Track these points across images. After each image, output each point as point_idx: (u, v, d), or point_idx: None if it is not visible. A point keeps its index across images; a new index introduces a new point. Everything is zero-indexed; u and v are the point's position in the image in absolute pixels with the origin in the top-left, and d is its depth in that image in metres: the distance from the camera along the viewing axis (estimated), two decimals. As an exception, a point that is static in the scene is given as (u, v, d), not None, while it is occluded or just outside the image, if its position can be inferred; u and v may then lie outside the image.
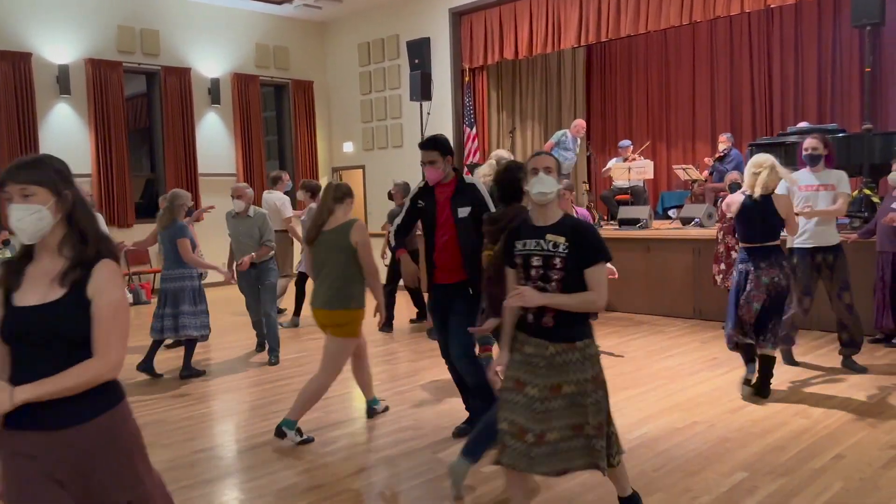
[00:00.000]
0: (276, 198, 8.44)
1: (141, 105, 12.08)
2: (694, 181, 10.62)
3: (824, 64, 10.98)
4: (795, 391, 5.13)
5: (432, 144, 4.23)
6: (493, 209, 4.05)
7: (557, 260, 2.77)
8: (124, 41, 11.11)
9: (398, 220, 4.46)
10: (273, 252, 6.65)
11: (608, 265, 2.90)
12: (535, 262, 2.81)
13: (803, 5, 10.53)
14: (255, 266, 6.52)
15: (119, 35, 11.07)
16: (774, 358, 5.01)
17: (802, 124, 9.70)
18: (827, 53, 10.94)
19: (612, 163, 11.02)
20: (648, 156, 11.56)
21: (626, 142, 11.30)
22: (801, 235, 5.40)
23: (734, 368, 5.74)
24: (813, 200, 5.40)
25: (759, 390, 4.93)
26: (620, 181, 10.45)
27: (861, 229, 6.71)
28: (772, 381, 4.99)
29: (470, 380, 4.17)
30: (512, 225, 3.02)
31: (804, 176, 5.46)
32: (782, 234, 4.91)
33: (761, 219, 4.80)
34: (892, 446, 3.99)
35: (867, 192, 7.31)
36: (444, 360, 4.42)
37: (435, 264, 4.26)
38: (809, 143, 5.45)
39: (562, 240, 2.78)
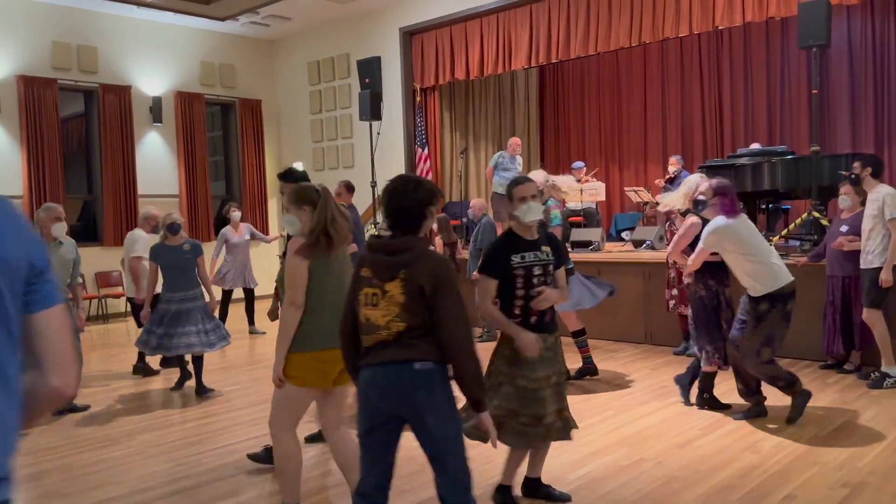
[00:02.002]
0: None
1: (79, 124, 11.60)
2: (645, 203, 10.52)
3: (773, 86, 11.04)
4: (747, 422, 4.92)
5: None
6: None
7: (550, 266, 3.37)
8: (59, 58, 10.66)
9: None
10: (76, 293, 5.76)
11: None
12: (537, 270, 3.31)
13: (752, 27, 10.58)
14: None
15: (54, 51, 10.62)
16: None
17: (754, 146, 9.69)
18: (776, 75, 11.00)
19: (564, 184, 10.88)
20: (600, 178, 11.47)
21: (578, 163, 11.19)
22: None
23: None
24: None
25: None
26: (573, 203, 10.29)
27: (811, 252, 6.60)
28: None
29: None
30: (496, 242, 3.40)
31: None
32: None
33: None
34: (843, 484, 3.79)
35: (816, 214, 7.23)
36: None
37: None
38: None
39: (548, 249, 3.39)
